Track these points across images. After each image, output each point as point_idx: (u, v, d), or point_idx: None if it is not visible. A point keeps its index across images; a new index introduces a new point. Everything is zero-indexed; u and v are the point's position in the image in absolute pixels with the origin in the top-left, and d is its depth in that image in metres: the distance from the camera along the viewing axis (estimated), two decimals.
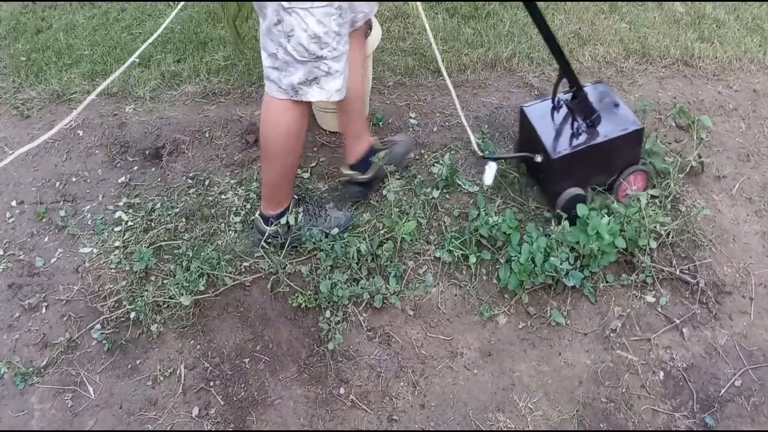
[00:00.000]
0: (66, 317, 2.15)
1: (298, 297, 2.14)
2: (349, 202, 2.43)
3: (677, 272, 2.21)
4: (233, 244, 2.32)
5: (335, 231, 2.26)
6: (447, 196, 2.46)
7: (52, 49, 3.23)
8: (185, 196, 2.51)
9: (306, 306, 2.14)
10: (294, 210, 2.22)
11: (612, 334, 2.09)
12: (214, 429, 1.90)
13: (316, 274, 2.20)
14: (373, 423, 1.91)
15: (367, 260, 2.21)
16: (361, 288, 2.13)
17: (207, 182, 2.55)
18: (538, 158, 2.27)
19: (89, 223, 2.43)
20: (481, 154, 2.40)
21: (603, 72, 3.05)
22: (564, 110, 2.33)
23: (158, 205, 2.45)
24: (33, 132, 2.81)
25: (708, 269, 2.25)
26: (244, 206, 2.44)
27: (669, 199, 2.39)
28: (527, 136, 2.36)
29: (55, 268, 2.29)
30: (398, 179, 2.50)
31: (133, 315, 2.11)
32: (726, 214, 2.43)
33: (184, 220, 2.40)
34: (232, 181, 2.55)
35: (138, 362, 2.04)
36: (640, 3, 3.49)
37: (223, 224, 2.39)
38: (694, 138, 2.61)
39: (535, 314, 2.13)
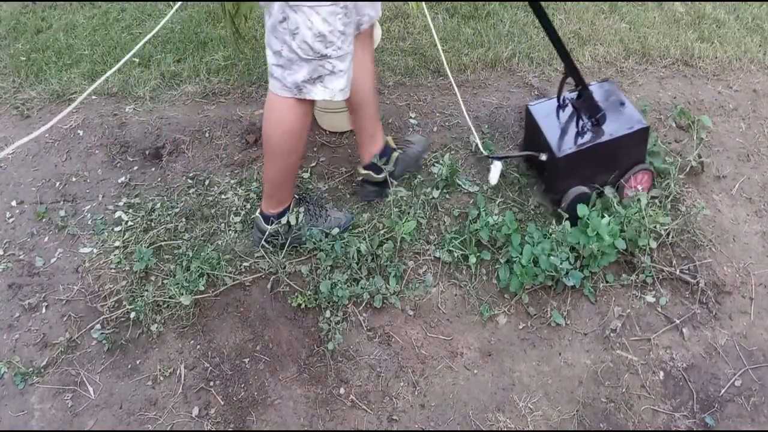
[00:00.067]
0: (66, 317, 2.15)
1: (298, 297, 2.14)
2: (366, 201, 2.44)
3: (677, 272, 2.21)
4: (233, 244, 2.32)
5: (335, 231, 2.26)
6: (447, 196, 2.46)
7: (52, 49, 3.23)
8: (185, 196, 2.51)
9: (306, 306, 2.14)
10: (295, 210, 2.22)
11: (612, 334, 2.09)
12: (214, 429, 1.90)
13: (316, 274, 2.20)
14: (373, 423, 1.91)
15: (367, 260, 2.21)
16: (361, 288, 2.13)
17: (207, 182, 2.55)
18: (543, 157, 2.27)
19: (89, 223, 2.43)
20: (485, 153, 2.39)
21: (603, 72, 3.05)
22: (569, 109, 2.33)
23: (158, 205, 2.45)
24: (33, 132, 2.81)
25: (708, 269, 2.25)
26: (244, 206, 2.44)
27: (669, 199, 2.39)
28: (533, 135, 2.36)
29: (55, 268, 2.29)
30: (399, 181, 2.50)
31: (133, 315, 2.11)
32: (726, 214, 2.43)
33: (184, 220, 2.40)
34: (232, 181, 2.55)
35: (138, 362, 2.04)
36: (640, 3, 3.49)
37: (223, 224, 2.39)
38: (694, 138, 2.61)
39: (535, 314, 2.13)
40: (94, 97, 2.98)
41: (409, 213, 2.34)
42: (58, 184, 2.59)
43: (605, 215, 2.17)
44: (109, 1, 3.59)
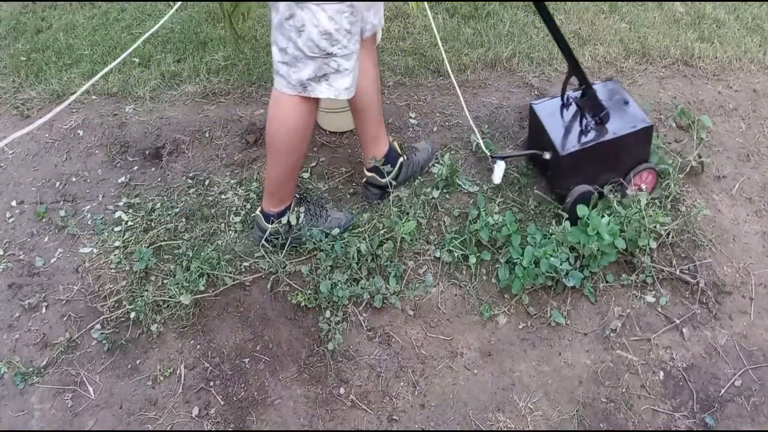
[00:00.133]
0: (66, 317, 2.15)
1: (298, 297, 2.14)
2: (368, 201, 2.44)
3: (677, 272, 2.21)
4: (233, 244, 2.32)
5: (336, 231, 2.26)
6: (447, 196, 2.46)
7: (52, 49, 3.23)
8: (185, 196, 2.51)
9: (306, 306, 2.14)
10: (296, 210, 2.22)
11: (612, 334, 2.09)
12: (214, 429, 1.90)
13: (316, 274, 2.20)
14: (373, 423, 1.91)
15: (367, 260, 2.21)
16: (361, 288, 2.13)
17: (207, 182, 2.55)
18: (547, 155, 2.27)
19: (89, 223, 2.43)
20: (488, 153, 2.39)
21: (603, 72, 3.05)
22: (573, 108, 2.33)
23: (158, 205, 2.45)
24: (33, 132, 2.81)
25: (708, 269, 2.25)
26: (244, 206, 2.44)
27: (669, 199, 2.39)
28: (536, 134, 2.36)
29: (55, 268, 2.29)
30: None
31: (133, 315, 2.11)
32: (726, 214, 2.43)
33: (184, 220, 2.40)
34: (232, 181, 2.55)
35: (138, 362, 2.04)
36: (640, 3, 3.49)
37: (223, 224, 2.39)
38: (694, 138, 2.61)
39: (535, 314, 2.13)
40: (94, 97, 2.98)
41: (409, 213, 2.34)
42: (58, 184, 2.59)
43: (605, 215, 2.17)
44: (109, 1, 3.59)
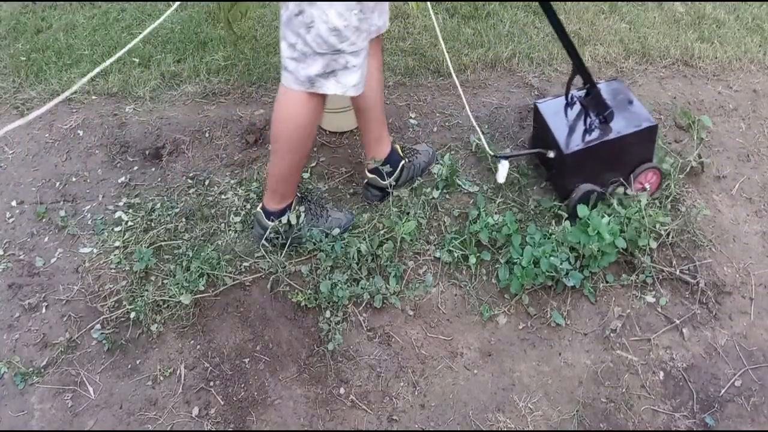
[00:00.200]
0: (66, 317, 2.15)
1: (298, 297, 2.14)
2: (368, 201, 2.45)
3: (677, 272, 2.21)
4: (233, 244, 2.32)
5: (336, 231, 2.26)
6: (447, 196, 2.46)
7: (52, 49, 3.23)
8: (185, 196, 2.51)
9: (306, 306, 2.14)
10: (296, 209, 2.21)
11: (612, 335, 2.09)
12: (214, 429, 1.90)
13: (316, 274, 2.20)
14: (373, 423, 1.91)
15: (367, 260, 2.21)
16: (361, 288, 2.13)
17: (207, 182, 2.55)
18: (551, 154, 2.27)
19: (89, 223, 2.43)
20: (492, 153, 2.39)
21: (603, 72, 3.05)
22: (577, 107, 2.33)
23: (158, 205, 2.45)
24: (33, 132, 2.81)
25: (708, 269, 2.25)
26: (244, 206, 2.44)
27: (669, 199, 2.39)
28: (541, 133, 2.37)
29: (55, 268, 2.29)
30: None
31: (133, 315, 2.11)
32: (726, 214, 2.43)
33: (184, 220, 2.40)
34: (232, 181, 2.55)
35: (138, 362, 2.04)
36: (640, 3, 3.49)
37: (223, 224, 2.39)
38: (695, 138, 2.61)
39: (535, 314, 2.13)
40: (94, 97, 2.98)
41: (409, 213, 2.34)
42: (58, 184, 2.59)
43: (605, 215, 2.17)
44: (109, 1, 3.59)
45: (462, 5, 3.43)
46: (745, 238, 2.35)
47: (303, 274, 2.21)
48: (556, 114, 2.33)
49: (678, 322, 2.11)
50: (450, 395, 1.96)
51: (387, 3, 2.10)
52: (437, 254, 2.27)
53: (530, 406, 1.94)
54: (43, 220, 2.45)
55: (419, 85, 2.99)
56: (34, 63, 3.15)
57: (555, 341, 2.08)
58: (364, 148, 2.40)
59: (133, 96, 2.97)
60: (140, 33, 3.32)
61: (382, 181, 2.36)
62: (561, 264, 2.09)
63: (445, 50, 2.19)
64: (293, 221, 2.19)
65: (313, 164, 2.60)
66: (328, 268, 2.20)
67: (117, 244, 2.33)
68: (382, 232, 2.30)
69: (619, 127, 2.25)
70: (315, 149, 2.67)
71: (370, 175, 2.38)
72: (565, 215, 2.29)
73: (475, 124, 2.36)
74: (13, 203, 2.52)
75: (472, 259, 2.22)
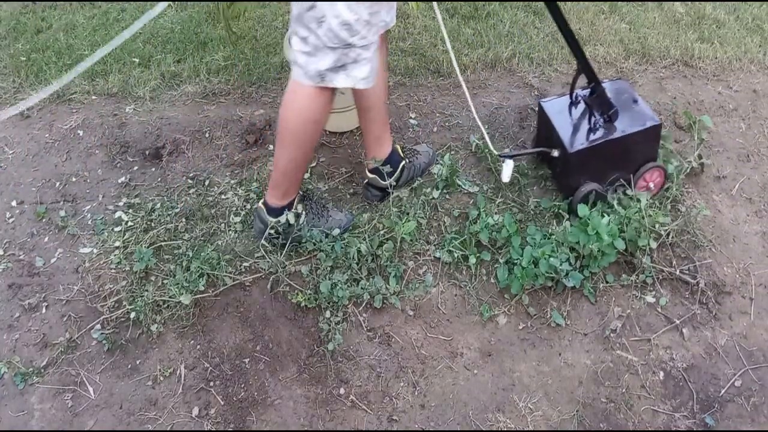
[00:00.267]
0: (66, 317, 2.15)
1: (298, 297, 2.14)
2: (368, 201, 2.45)
3: (677, 272, 2.21)
4: (233, 244, 2.32)
5: (336, 232, 2.26)
6: (447, 196, 2.46)
7: (52, 49, 3.23)
8: (185, 196, 2.51)
9: (306, 306, 2.14)
10: (295, 207, 2.21)
11: (612, 335, 2.09)
12: (214, 429, 1.90)
13: (316, 274, 2.20)
14: (373, 423, 1.91)
15: (367, 260, 2.21)
16: (361, 288, 2.13)
17: (207, 182, 2.55)
18: (555, 153, 2.27)
19: (89, 223, 2.43)
20: (496, 153, 2.39)
21: (603, 72, 3.05)
22: (582, 106, 2.33)
23: (158, 205, 2.45)
24: (33, 132, 2.81)
25: (708, 269, 2.25)
26: (244, 206, 2.44)
27: (669, 200, 2.39)
28: (545, 131, 2.37)
29: (55, 268, 2.29)
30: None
31: (133, 315, 2.11)
32: (726, 215, 2.43)
33: (184, 220, 2.40)
34: (232, 181, 2.55)
35: (138, 362, 2.04)
36: (640, 3, 3.49)
37: (223, 224, 2.39)
38: (696, 139, 2.61)
39: (535, 315, 2.13)
40: (94, 97, 2.98)
41: (409, 213, 2.34)
42: (58, 184, 2.59)
43: (605, 215, 2.17)
44: (109, 1, 3.59)
45: (462, 5, 3.43)
46: (745, 238, 2.36)
47: (303, 274, 2.21)
48: (560, 113, 2.33)
49: (678, 322, 2.12)
50: (450, 395, 1.96)
51: None
52: (437, 254, 2.27)
53: (530, 406, 1.94)
54: (43, 220, 2.45)
55: (419, 85, 2.99)
56: (34, 63, 3.15)
57: (555, 341, 2.08)
58: (365, 148, 2.40)
59: (133, 96, 2.97)
60: (140, 33, 3.33)
61: (382, 182, 2.36)
62: (561, 264, 2.09)
63: (451, 50, 2.18)
64: (291, 221, 2.19)
65: (313, 164, 2.60)
66: (328, 269, 2.20)
67: (117, 244, 2.33)
68: (382, 232, 2.30)
69: (624, 126, 2.25)
70: (315, 149, 2.67)
71: (370, 175, 2.38)
72: (566, 215, 2.29)
73: (479, 123, 2.36)
74: (13, 203, 2.52)
75: (472, 260, 2.22)
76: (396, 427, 1.90)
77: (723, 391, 1.97)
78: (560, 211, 2.33)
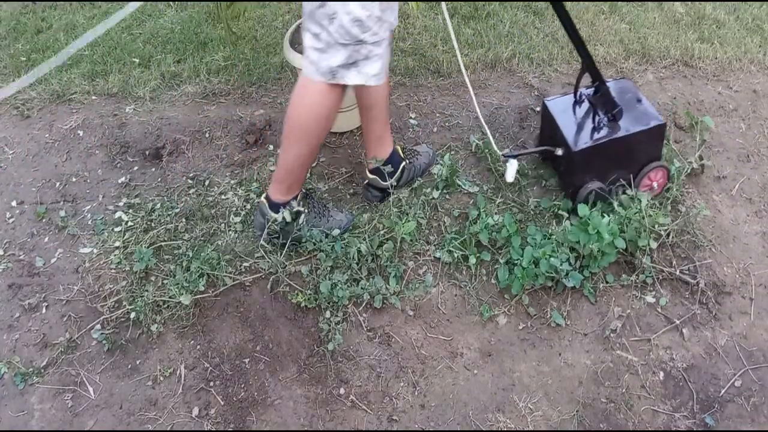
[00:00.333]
0: (66, 317, 2.15)
1: (298, 297, 2.14)
2: (368, 202, 2.45)
3: (677, 273, 2.21)
4: (233, 244, 2.32)
5: (336, 232, 2.26)
6: (447, 196, 2.46)
7: (52, 49, 3.23)
8: (185, 196, 2.51)
9: (306, 306, 2.14)
10: (290, 204, 2.19)
11: (612, 335, 2.09)
12: (214, 429, 1.90)
13: (316, 274, 2.20)
14: (373, 423, 1.91)
15: (367, 260, 2.21)
16: (361, 288, 2.13)
17: (207, 182, 2.55)
18: (559, 151, 2.27)
19: (89, 223, 2.43)
20: (500, 153, 2.40)
21: (603, 73, 3.02)
22: (586, 105, 2.34)
23: (158, 206, 2.45)
24: (33, 132, 2.81)
25: (708, 270, 2.25)
26: (244, 206, 2.44)
27: (669, 200, 2.39)
28: (549, 130, 2.37)
29: (55, 268, 2.29)
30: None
31: (133, 315, 2.11)
32: (726, 215, 2.43)
33: (184, 220, 2.40)
34: (232, 182, 2.55)
35: (138, 362, 2.04)
36: (640, 3, 3.49)
37: (223, 224, 2.39)
38: (697, 139, 2.61)
39: (535, 315, 2.13)
40: (94, 97, 2.98)
41: (409, 213, 2.34)
42: (58, 184, 2.59)
43: (605, 215, 2.17)
44: (109, 1, 3.59)
45: (462, 5, 3.43)
46: (745, 239, 2.36)
47: (303, 274, 2.21)
48: (564, 111, 2.33)
49: (678, 322, 2.12)
50: (450, 395, 1.96)
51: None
52: (437, 254, 2.27)
53: (530, 406, 1.94)
54: (43, 220, 2.45)
55: (419, 86, 2.99)
56: (34, 63, 3.15)
57: (555, 341, 2.08)
58: (365, 148, 2.40)
59: (133, 96, 2.97)
60: (140, 33, 3.34)
61: (383, 182, 2.36)
62: (561, 265, 2.09)
63: (458, 50, 2.18)
64: (288, 218, 2.18)
65: (314, 164, 2.60)
66: (328, 269, 2.20)
67: (117, 244, 2.33)
68: (382, 232, 2.30)
69: (628, 125, 2.25)
70: None
71: (371, 176, 2.38)
72: (566, 215, 2.29)
73: (483, 124, 2.36)
74: (13, 203, 2.52)
75: (472, 260, 2.22)
76: (396, 427, 1.90)
77: (723, 391, 1.97)
78: (560, 211, 2.33)
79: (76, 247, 2.35)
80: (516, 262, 2.15)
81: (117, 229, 2.39)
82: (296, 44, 2.53)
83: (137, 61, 3.14)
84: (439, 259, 2.26)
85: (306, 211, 2.23)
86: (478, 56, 3.11)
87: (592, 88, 2.30)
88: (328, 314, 2.11)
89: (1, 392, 1.98)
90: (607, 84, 2.27)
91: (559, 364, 2.03)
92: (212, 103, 2.92)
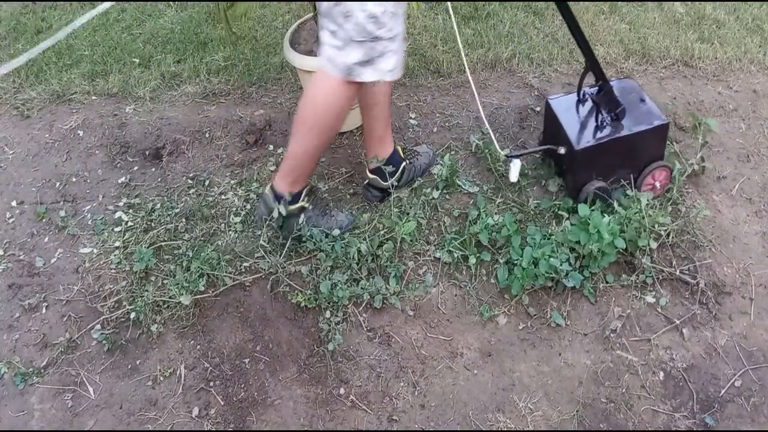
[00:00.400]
0: (66, 317, 2.15)
1: (298, 297, 2.14)
2: (368, 202, 2.45)
3: (677, 273, 2.21)
4: (233, 244, 2.32)
5: (336, 232, 2.26)
6: (447, 196, 2.46)
7: (52, 49, 3.23)
8: (185, 196, 2.51)
9: (306, 306, 2.14)
10: (283, 200, 2.18)
11: (612, 335, 2.09)
12: (214, 429, 1.90)
13: (316, 274, 2.20)
14: (373, 423, 1.91)
15: (367, 260, 2.21)
16: (361, 288, 2.13)
17: (207, 182, 2.55)
18: (562, 150, 2.28)
19: (89, 223, 2.43)
20: (503, 153, 2.39)
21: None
22: (589, 104, 2.34)
23: (158, 206, 2.45)
24: (33, 132, 2.81)
25: (708, 270, 2.25)
26: (244, 206, 2.44)
27: (669, 200, 2.39)
28: (552, 129, 2.37)
29: (55, 268, 2.29)
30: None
31: (133, 315, 2.11)
32: (726, 215, 2.43)
33: (184, 220, 2.40)
34: (232, 182, 2.55)
35: (138, 362, 2.04)
36: (640, 3, 3.49)
37: (223, 224, 2.39)
38: (699, 141, 2.61)
39: (535, 315, 2.13)
40: (94, 97, 2.99)
41: (409, 213, 2.34)
42: (58, 184, 2.59)
43: (606, 215, 2.17)
44: (109, 1, 3.59)
45: (461, 5, 3.43)
46: (745, 239, 2.36)
47: (303, 274, 2.21)
48: (567, 110, 2.33)
49: (678, 322, 2.11)
50: (450, 395, 1.96)
51: None
52: (437, 254, 2.27)
53: (530, 407, 1.94)
54: (43, 220, 2.45)
55: (419, 86, 2.99)
56: (34, 63, 3.15)
57: (555, 341, 2.08)
58: (366, 148, 2.40)
59: (133, 96, 2.97)
60: (140, 33, 3.34)
61: (383, 182, 2.36)
62: (561, 265, 2.09)
63: (462, 49, 2.18)
64: (283, 212, 2.18)
65: None
66: (328, 269, 2.20)
67: (117, 244, 2.33)
68: (382, 232, 2.30)
69: (631, 124, 2.25)
70: None
71: (371, 176, 2.38)
72: (566, 215, 2.29)
73: (486, 124, 2.36)
74: (13, 203, 2.52)
75: (472, 260, 2.22)
76: (396, 427, 1.90)
77: (723, 391, 1.97)
78: (560, 211, 2.33)
79: (76, 247, 2.35)
80: (516, 262, 2.15)
81: (117, 229, 2.39)
82: (296, 44, 2.53)
83: (137, 61, 3.14)
84: (439, 259, 2.26)
85: (310, 207, 2.23)
86: (478, 56, 3.11)
87: (596, 87, 2.30)
88: (328, 314, 2.11)
89: (1, 392, 1.98)
90: (611, 83, 2.27)
91: (559, 364, 2.03)
92: (212, 103, 2.92)
